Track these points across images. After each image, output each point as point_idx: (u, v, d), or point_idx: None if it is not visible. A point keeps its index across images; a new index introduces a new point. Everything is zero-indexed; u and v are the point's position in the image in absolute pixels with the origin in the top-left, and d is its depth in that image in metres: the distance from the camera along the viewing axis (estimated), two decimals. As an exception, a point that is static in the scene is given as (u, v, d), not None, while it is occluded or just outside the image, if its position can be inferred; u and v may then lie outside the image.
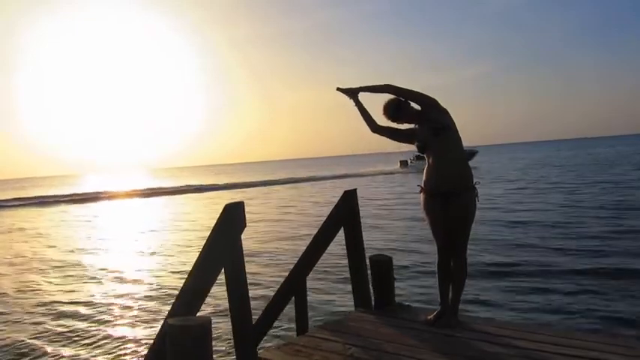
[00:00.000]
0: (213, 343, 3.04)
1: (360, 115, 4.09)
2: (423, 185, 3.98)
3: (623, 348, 3.38)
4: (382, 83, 3.93)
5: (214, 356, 3.08)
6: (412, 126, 4.00)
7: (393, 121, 3.98)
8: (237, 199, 3.87)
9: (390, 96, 3.94)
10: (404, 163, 56.58)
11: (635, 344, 3.60)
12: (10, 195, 53.28)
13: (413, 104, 3.92)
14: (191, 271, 3.54)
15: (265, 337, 4.75)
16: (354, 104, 4.08)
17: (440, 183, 3.84)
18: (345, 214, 4.63)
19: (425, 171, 3.97)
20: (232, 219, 3.58)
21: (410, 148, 4.14)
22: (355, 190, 4.66)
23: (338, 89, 4.12)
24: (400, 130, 4.04)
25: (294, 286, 4.56)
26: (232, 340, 3.73)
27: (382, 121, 4.02)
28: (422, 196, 3.99)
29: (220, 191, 45.49)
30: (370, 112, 4.08)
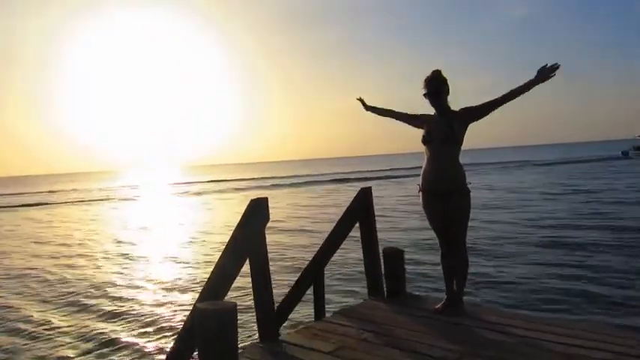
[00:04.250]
0: (239, 326, 3.01)
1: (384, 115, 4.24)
2: (421, 185, 3.99)
3: (621, 339, 3.34)
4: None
5: (239, 338, 3.06)
6: (430, 113, 3.96)
7: (427, 92, 3.87)
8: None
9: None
10: (625, 153, 59.88)
11: (635, 336, 3.52)
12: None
13: (449, 99, 3.90)
14: (219, 260, 3.54)
15: (286, 322, 4.74)
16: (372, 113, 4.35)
17: (436, 184, 3.86)
18: (361, 210, 4.62)
19: (422, 171, 3.96)
20: (257, 213, 3.57)
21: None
22: (370, 188, 4.65)
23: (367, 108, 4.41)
24: (414, 116, 4.06)
25: (312, 274, 4.57)
26: (256, 324, 3.75)
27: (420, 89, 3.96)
28: (421, 194, 4.00)
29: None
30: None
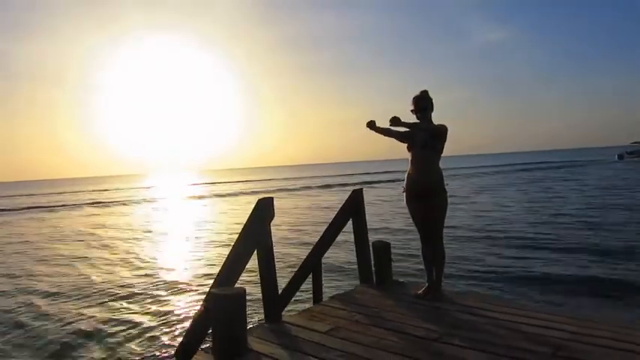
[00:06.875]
0: (247, 308, 3.14)
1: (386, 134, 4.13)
2: (405, 187, 4.15)
3: (576, 320, 3.53)
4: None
5: (248, 319, 3.19)
6: (411, 127, 4.07)
7: (415, 109, 4.02)
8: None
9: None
10: (621, 156, 62.14)
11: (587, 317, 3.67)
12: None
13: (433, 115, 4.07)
14: (231, 251, 3.61)
15: (288, 305, 4.70)
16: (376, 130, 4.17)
17: (416, 186, 4.05)
18: (353, 208, 4.72)
19: (406, 174, 4.14)
20: (264, 210, 3.65)
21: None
22: (362, 189, 4.77)
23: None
24: (407, 136, 4.10)
25: (311, 264, 4.65)
26: (262, 306, 3.83)
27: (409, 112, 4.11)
28: (405, 195, 4.17)
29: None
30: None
